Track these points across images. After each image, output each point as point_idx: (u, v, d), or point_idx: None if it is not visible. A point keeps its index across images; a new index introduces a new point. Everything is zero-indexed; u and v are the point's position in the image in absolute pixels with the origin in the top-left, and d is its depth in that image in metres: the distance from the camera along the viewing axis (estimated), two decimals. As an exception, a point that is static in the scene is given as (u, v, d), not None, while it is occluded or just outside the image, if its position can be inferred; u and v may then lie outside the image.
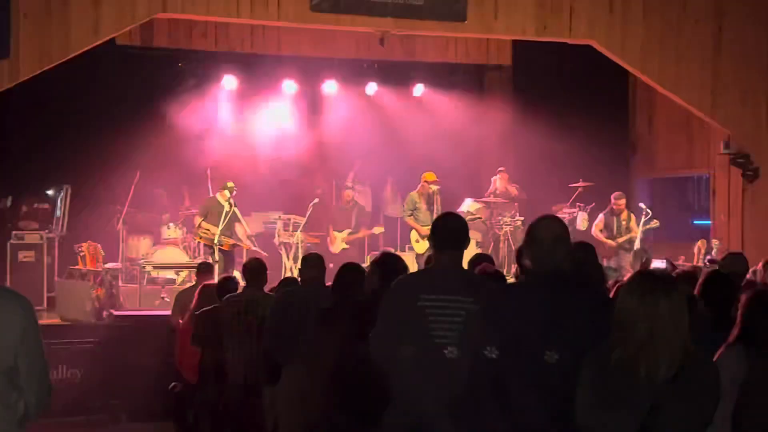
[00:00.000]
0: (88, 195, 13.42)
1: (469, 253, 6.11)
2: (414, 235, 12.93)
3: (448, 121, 15.61)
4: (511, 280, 8.12)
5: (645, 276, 3.49)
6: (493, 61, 15.76)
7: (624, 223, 13.26)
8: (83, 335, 10.61)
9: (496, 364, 3.88)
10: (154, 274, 12.53)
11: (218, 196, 12.47)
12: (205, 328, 7.75)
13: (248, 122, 15.19)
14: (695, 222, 15.44)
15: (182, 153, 14.31)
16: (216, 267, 11.31)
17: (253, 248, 12.42)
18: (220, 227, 12.02)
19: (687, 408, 3.23)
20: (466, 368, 4.11)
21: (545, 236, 4.00)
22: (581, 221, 13.63)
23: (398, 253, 11.48)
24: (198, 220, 12.42)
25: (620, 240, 13.17)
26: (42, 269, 12.28)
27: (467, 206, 13.52)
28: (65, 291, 11.75)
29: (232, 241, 12.27)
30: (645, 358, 3.24)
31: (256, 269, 7.66)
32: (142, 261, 12.52)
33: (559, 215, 13.24)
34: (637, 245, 13.23)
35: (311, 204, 13.28)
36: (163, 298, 11.69)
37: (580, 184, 13.98)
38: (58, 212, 13.07)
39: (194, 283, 10.16)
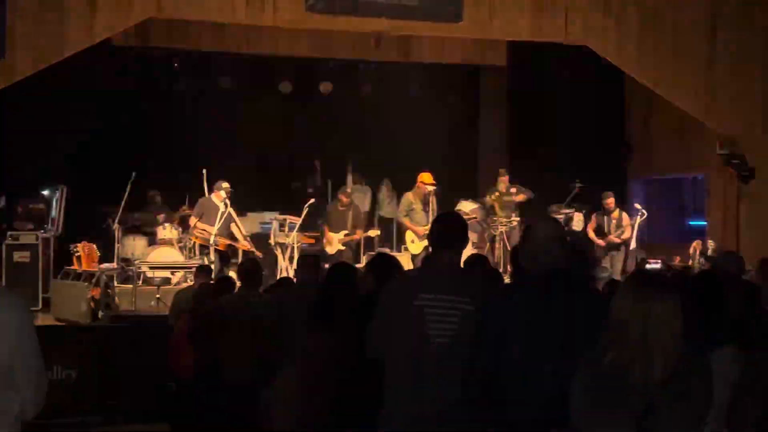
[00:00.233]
0: (83, 195, 13.41)
1: (465, 254, 6.12)
2: (409, 235, 12.92)
3: (443, 121, 15.64)
4: (507, 280, 8.14)
5: (639, 277, 3.49)
6: (488, 62, 15.77)
7: (614, 221, 13.30)
8: (78, 336, 10.60)
9: (486, 365, 3.89)
10: (149, 274, 12.52)
11: (213, 196, 12.47)
12: (201, 328, 7.75)
13: (244, 123, 15.20)
14: (690, 223, 15.47)
15: (178, 153, 14.32)
16: (212, 268, 11.31)
17: (250, 248, 12.42)
18: (216, 228, 12.03)
19: (681, 409, 3.21)
20: (461, 368, 4.12)
21: (541, 238, 4.02)
22: (577, 222, 13.64)
23: (394, 253, 11.50)
24: (193, 220, 12.43)
25: (609, 238, 13.21)
26: (37, 269, 12.25)
27: (462, 207, 13.52)
28: (60, 291, 11.73)
29: (227, 242, 12.28)
30: (639, 360, 3.23)
31: (251, 270, 7.66)
32: (138, 261, 12.50)
33: (555, 216, 13.30)
34: (632, 246, 13.25)
35: (307, 205, 13.28)
36: (158, 298, 11.69)
37: (576, 185, 13.98)
38: (54, 212, 13.06)
39: (191, 283, 10.16)
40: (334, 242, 13.21)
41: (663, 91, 12.86)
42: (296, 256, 12.25)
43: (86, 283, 11.19)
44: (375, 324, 4.55)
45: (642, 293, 3.30)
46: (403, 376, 4.36)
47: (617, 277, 11.48)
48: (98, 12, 10.56)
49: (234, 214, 12.40)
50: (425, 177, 12.78)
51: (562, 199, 14.06)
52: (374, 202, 15.99)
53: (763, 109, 12.86)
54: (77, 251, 12.31)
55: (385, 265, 5.62)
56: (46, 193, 13.38)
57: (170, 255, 13.01)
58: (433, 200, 12.71)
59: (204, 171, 13.13)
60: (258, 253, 12.17)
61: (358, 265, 11.05)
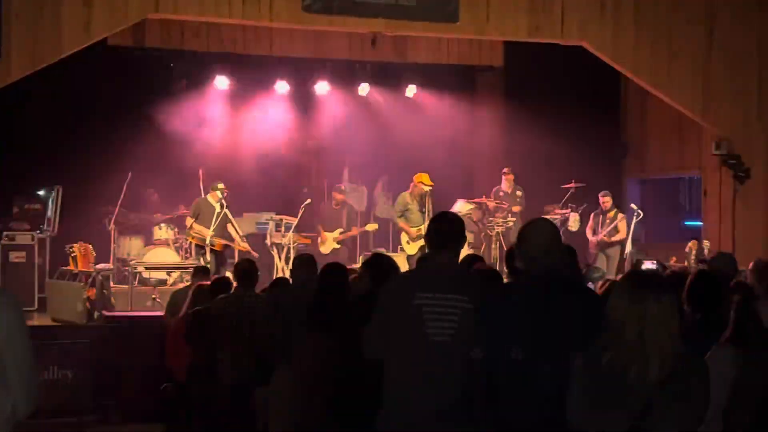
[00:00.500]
0: (79, 195, 13.39)
1: (461, 253, 6.12)
2: (405, 236, 12.92)
3: (439, 121, 15.63)
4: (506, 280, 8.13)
5: (635, 277, 3.49)
6: (485, 62, 15.77)
7: (609, 221, 13.32)
8: (74, 336, 10.58)
9: (483, 364, 3.89)
10: (145, 274, 12.52)
11: (209, 197, 12.46)
12: (197, 328, 7.75)
13: (240, 123, 15.19)
14: (686, 223, 15.48)
15: (174, 153, 14.30)
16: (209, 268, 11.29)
17: (246, 249, 12.42)
18: (212, 228, 12.03)
19: (678, 409, 3.22)
20: (460, 367, 4.12)
21: (537, 238, 4.03)
22: (573, 222, 13.66)
23: (390, 254, 11.49)
24: (189, 221, 12.42)
25: (600, 236, 13.22)
26: (33, 270, 12.27)
27: (459, 207, 13.51)
28: (56, 292, 11.73)
29: (223, 242, 12.28)
30: (635, 360, 3.24)
31: (247, 270, 7.67)
32: (134, 262, 12.49)
33: (551, 216, 13.32)
34: (628, 247, 13.25)
35: (303, 205, 13.28)
36: (154, 298, 11.68)
37: (572, 184, 14.00)
38: (50, 213, 13.05)
39: (188, 284, 10.15)
40: (329, 241, 13.20)
41: (659, 91, 12.87)
42: (292, 256, 12.26)
43: (82, 284, 11.18)
44: (373, 324, 4.55)
45: (638, 294, 3.30)
46: (402, 376, 4.36)
47: (612, 276, 11.48)
48: (94, 12, 10.55)
49: (230, 215, 12.39)
50: (423, 177, 12.77)
51: (559, 200, 14.07)
52: (370, 201, 15.97)
53: (759, 109, 12.87)
54: (73, 251, 12.30)
55: (381, 265, 5.63)
56: (41, 193, 13.37)
57: (166, 255, 13.00)
58: (429, 200, 12.71)
59: (200, 171, 13.12)
60: (254, 254, 12.16)
61: (354, 265, 11.05)
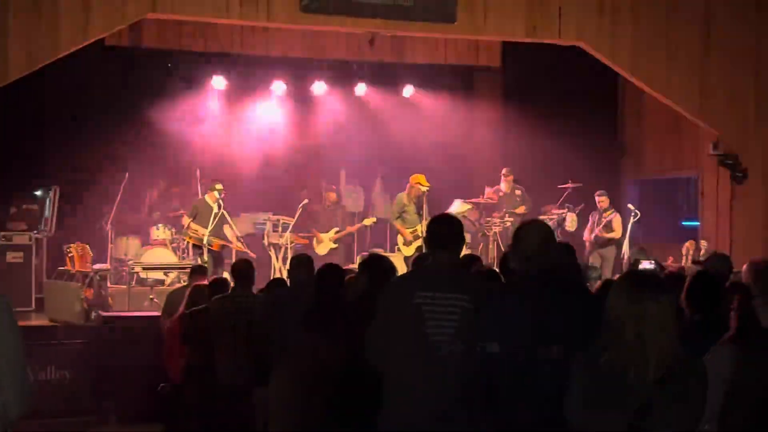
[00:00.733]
0: (76, 196, 13.40)
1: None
2: (401, 238, 12.91)
3: (437, 122, 15.64)
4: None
5: (633, 278, 3.49)
6: (482, 63, 15.78)
7: (604, 220, 13.32)
8: (72, 336, 10.58)
9: (494, 360, 3.88)
10: (142, 275, 12.50)
11: (207, 197, 12.47)
12: (194, 328, 7.75)
13: (237, 123, 15.19)
14: (684, 223, 15.49)
15: (171, 154, 14.30)
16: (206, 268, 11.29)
17: (243, 249, 12.41)
18: (210, 228, 12.02)
19: (676, 409, 3.23)
20: (461, 366, 4.11)
21: (531, 239, 4.04)
22: (570, 222, 13.67)
23: (387, 254, 11.50)
24: (187, 220, 12.43)
25: (596, 233, 13.23)
26: (30, 270, 12.26)
27: (456, 207, 13.52)
28: (54, 292, 11.72)
29: (221, 242, 12.28)
30: (634, 360, 3.24)
31: (244, 270, 7.67)
32: (131, 262, 12.49)
33: (548, 216, 13.34)
34: (625, 247, 13.26)
35: (301, 205, 13.28)
36: (151, 299, 11.67)
37: (569, 185, 14.01)
38: (47, 213, 13.04)
39: (185, 284, 10.14)
40: (326, 241, 13.19)
41: (656, 92, 12.88)
42: (290, 256, 12.26)
43: (80, 284, 11.20)
44: (374, 326, 4.54)
45: (636, 294, 3.31)
46: (403, 375, 4.36)
47: (609, 276, 11.49)
48: (92, 12, 10.54)
49: (227, 215, 12.39)
50: (420, 178, 12.77)
51: (556, 200, 14.09)
52: (368, 203, 15.96)
53: (756, 110, 12.88)
54: (70, 252, 12.30)
55: (378, 265, 5.64)
56: (39, 193, 13.36)
57: (163, 255, 13.00)
58: (426, 202, 12.69)
59: (197, 171, 13.12)
60: (251, 254, 12.17)
61: (351, 265, 11.05)
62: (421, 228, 12.26)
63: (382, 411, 4.40)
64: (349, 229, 13.65)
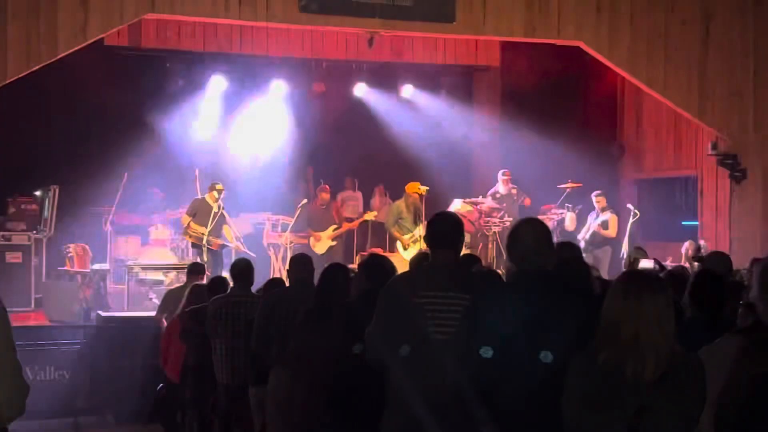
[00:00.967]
0: (75, 196, 13.41)
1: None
2: (400, 244, 12.85)
3: (436, 121, 15.65)
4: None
5: (631, 276, 3.48)
6: (481, 62, 15.80)
7: (601, 221, 13.32)
8: (71, 336, 10.61)
9: (490, 363, 3.88)
10: (142, 275, 12.53)
11: (207, 197, 12.48)
12: (193, 327, 7.77)
13: (236, 123, 15.20)
14: (683, 223, 15.49)
15: (170, 154, 14.31)
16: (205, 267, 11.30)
17: (242, 249, 12.43)
18: (209, 227, 12.04)
19: (674, 408, 3.22)
20: (461, 365, 4.11)
21: (528, 237, 4.02)
22: (570, 222, 13.69)
23: (387, 254, 11.49)
24: (186, 219, 12.44)
25: (589, 233, 13.23)
26: (30, 270, 12.28)
27: (455, 207, 13.52)
28: (53, 292, 11.75)
29: (220, 241, 12.29)
30: (631, 360, 3.23)
31: (243, 270, 7.67)
32: (130, 262, 12.50)
33: (548, 216, 13.34)
34: (625, 247, 13.26)
35: (300, 205, 13.29)
36: (151, 299, 11.69)
37: (569, 185, 14.02)
38: (46, 213, 13.06)
39: (183, 283, 10.16)
40: (324, 240, 13.17)
41: (655, 91, 12.89)
42: (289, 256, 12.27)
43: (79, 284, 11.22)
44: (375, 325, 4.53)
45: (633, 292, 3.30)
46: (406, 375, 4.34)
47: (605, 276, 11.48)
48: (91, 12, 10.55)
49: (226, 215, 12.40)
50: (415, 186, 12.74)
51: (555, 200, 14.10)
52: (367, 207, 15.96)
53: (755, 110, 12.89)
54: (70, 252, 12.31)
55: (378, 265, 5.63)
56: (38, 193, 13.38)
57: (163, 255, 13.01)
58: (423, 206, 12.68)
59: (196, 171, 13.14)
60: (251, 254, 12.17)
61: (351, 266, 11.06)
62: (420, 231, 12.27)
63: (385, 411, 4.40)
64: (349, 225, 13.64)
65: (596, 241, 13.23)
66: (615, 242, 13.43)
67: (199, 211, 12.31)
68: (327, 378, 5.43)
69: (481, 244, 13.67)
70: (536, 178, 14.19)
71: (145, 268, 12.49)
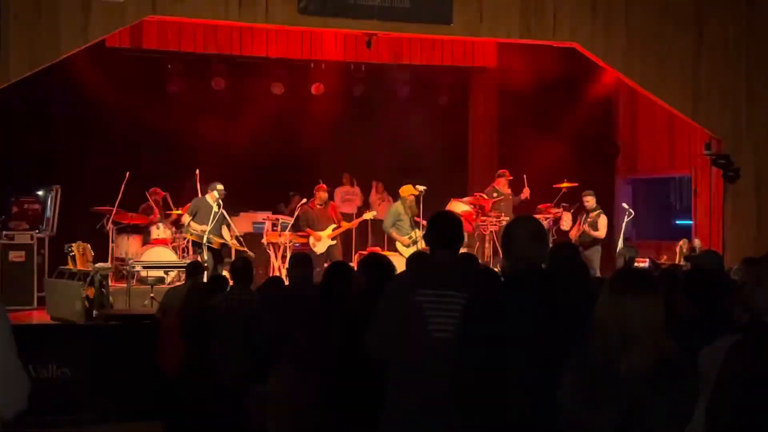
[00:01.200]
0: (77, 195, 13.48)
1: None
2: (399, 244, 12.90)
3: (433, 122, 15.72)
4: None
5: (618, 276, 3.51)
6: (478, 63, 15.87)
7: (590, 220, 13.30)
8: (73, 335, 10.65)
9: (486, 360, 3.91)
10: (143, 273, 12.59)
11: (207, 197, 12.53)
12: (193, 325, 7.81)
13: (236, 123, 15.27)
14: (677, 222, 15.60)
15: (171, 154, 14.38)
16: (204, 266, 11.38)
17: (241, 248, 12.51)
18: (210, 226, 12.11)
19: (667, 404, 3.24)
20: (463, 362, 4.15)
21: (523, 235, 4.01)
22: (565, 221, 13.73)
23: (386, 253, 11.57)
24: (186, 218, 12.49)
25: (582, 228, 13.22)
26: (32, 269, 12.35)
27: (453, 207, 13.58)
28: (55, 291, 11.80)
29: (221, 240, 12.36)
30: (623, 357, 3.26)
31: (243, 269, 7.73)
32: (132, 261, 12.56)
33: (544, 215, 13.40)
34: (620, 246, 13.34)
35: (299, 205, 13.36)
36: (152, 297, 11.76)
37: (565, 184, 14.07)
38: (48, 212, 13.13)
39: (183, 282, 10.22)
40: (323, 239, 13.20)
41: (650, 91, 12.98)
42: (289, 255, 12.35)
43: (81, 283, 11.25)
44: (375, 324, 4.56)
45: (618, 289, 3.35)
46: (405, 373, 4.39)
47: (598, 274, 11.54)
48: (92, 13, 10.60)
49: (227, 215, 12.47)
50: (409, 189, 12.78)
51: (551, 199, 14.17)
52: (365, 206, 16.03)
53: (748, 110, 12.98)
54: (72, 251, 12.37)
55: (377, 264, 5.66)
56: (40, 193, 13.45)
57: (164, 254, 13.05)
58: (420, 207, 12.74)
59: (197, 171, 13.21)
60: (251, 253, 12.26)
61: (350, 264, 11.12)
62: (418, 232, 12.34)
63: (385, 408, 4.43)
64: (347, 225, 13.70)
65: (585, 241, 12.92)
66: (608, 242, 13.42)
67: (200, 211, 12.37)
68: (328, 376, 5.48)
69: (477, 243, 13.73)
70: (532, 178, 14.27)
71: (147, 267, 12.56)
